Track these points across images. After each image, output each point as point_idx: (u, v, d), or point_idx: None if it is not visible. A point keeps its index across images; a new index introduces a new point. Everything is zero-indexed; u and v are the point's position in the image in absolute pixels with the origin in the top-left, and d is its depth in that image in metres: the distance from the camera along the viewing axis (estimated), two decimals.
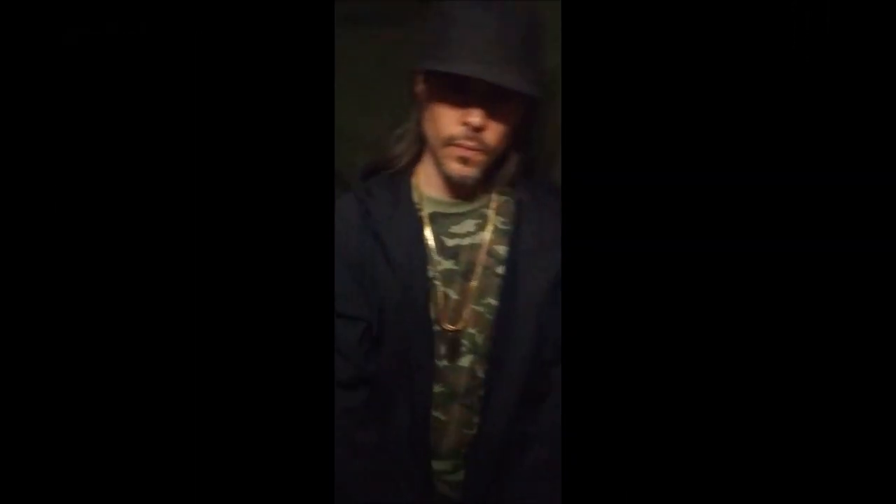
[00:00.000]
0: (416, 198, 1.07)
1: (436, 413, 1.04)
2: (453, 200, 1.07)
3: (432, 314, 1.04)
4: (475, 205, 1.07)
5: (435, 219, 1.06)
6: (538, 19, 0.98)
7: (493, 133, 0.98)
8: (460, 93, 0.97)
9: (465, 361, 1.04)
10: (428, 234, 1.05)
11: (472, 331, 1.04)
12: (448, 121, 0.98)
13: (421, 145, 1.06)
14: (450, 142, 0.99)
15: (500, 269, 1.05)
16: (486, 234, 1.06)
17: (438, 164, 1.03)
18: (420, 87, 1.02)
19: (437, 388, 1.04)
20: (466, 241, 1.06)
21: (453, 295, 1.04)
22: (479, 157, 1.00)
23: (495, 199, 1.08)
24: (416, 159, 1.08)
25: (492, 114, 0.97)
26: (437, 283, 1.04)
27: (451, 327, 1.04)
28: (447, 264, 1.05)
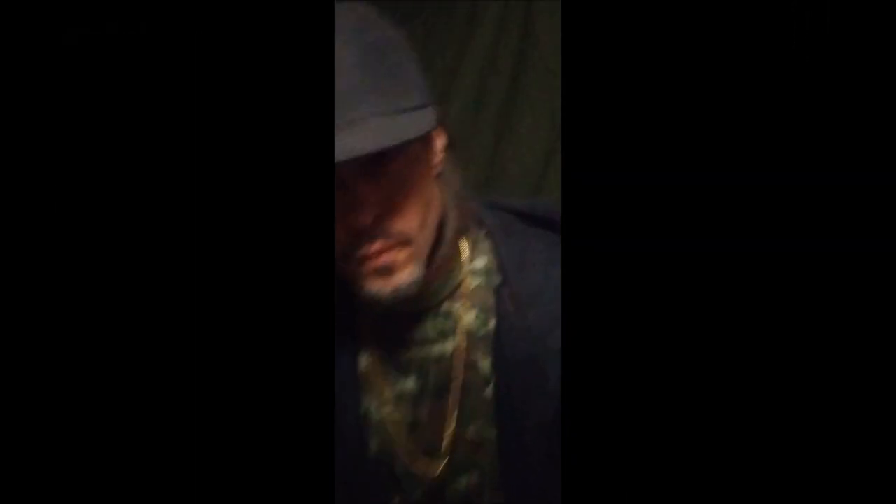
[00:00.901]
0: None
1: None
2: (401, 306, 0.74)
3: (390, 451, 0.77)
4: (437, 298, 0.77)
5: (378, 328, 0.78)
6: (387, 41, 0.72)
7: (402, 213, 0.69)
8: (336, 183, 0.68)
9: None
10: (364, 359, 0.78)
11: (456, 466, 0.76)
12: (340, 238, 0.69)
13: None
14: (349, 260, 0.70)
15: (485, 389, 0.75)
16: (456, 340, 0.76)
17: (359, 296, 0.72)
18: None
19: None
20: (432, 351, 0.77)
21: (423, 419, 0.76)
22: (402, 256, 0.70)
23: (462, 284, 0.77)
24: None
25: (383, 190, 0.69)
26: (392, 410, 0.77)
27: (424, 466, 0.76)
28: (406, 384, 0.77)
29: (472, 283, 0.77)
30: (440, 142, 0.76)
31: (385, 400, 0.77)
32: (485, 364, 0.75)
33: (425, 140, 0.72)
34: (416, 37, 1.34)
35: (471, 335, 0.76)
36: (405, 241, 0.70)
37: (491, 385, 0.75)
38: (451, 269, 0.77)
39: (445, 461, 0.76)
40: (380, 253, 0.69)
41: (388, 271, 0.69)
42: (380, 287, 0.70)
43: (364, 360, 0.78)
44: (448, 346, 0.76)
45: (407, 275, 0.70)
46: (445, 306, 0.77)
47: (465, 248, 0.78)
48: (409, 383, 0.77)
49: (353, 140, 0.65)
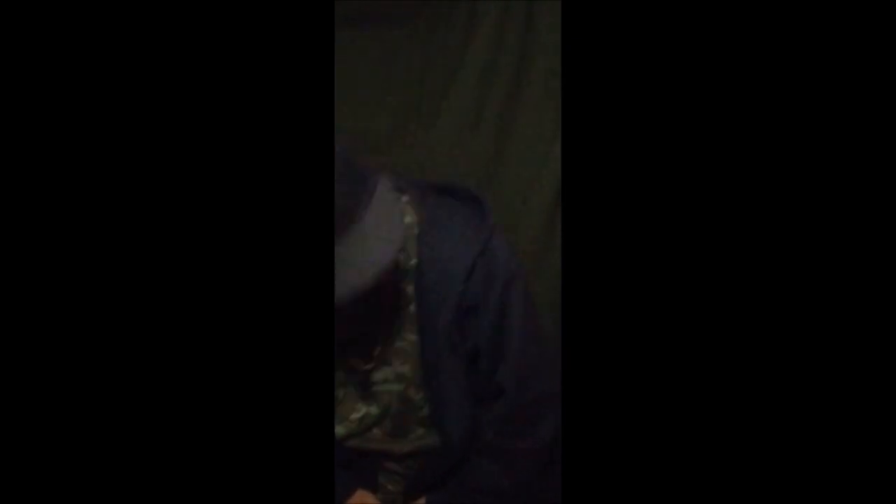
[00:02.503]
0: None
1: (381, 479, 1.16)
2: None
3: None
4: None
5: None
6: None
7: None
8: None
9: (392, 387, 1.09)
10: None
11: (390, 365, 1.08)
12: None
13: None
14: None
15: (411, 308, 1.07)
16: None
17: None
18: None
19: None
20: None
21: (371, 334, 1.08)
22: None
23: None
24: None
25: None
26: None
27: (366, 366, 1.08)
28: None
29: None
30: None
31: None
32: (409, 289, 1.05)
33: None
34: (417, 36, 1.34)
35: (399, 269, 1.04)
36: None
37: (412, 304, 1.06)
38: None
39: (374, 362, 1.07)
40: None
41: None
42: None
43: None
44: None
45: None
46: None
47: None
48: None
49: None
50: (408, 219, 1.06)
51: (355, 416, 1.10)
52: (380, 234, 0.93)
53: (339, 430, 1.10)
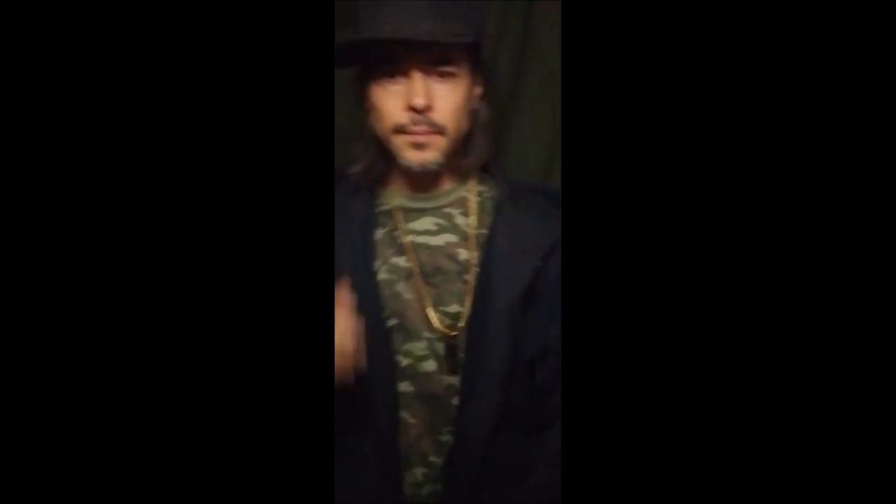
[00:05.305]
0: (379, 196, 1.03)
1: (403, 414, 0.98)
2: (417, 195, 1.03)
3: (385, 311, 0.98)
4: (440, 201, 1.03)
5: (392, 214, 1.02)
6: None
7: (444, 112, 0.94)
8: (395, 71, 0.93)
9: (429, 366, 0.99)
10: (379, 230, 1.01)
11: (429, 335, 0.99)
12: (391, 109, 0.94)
13: (380, 149, 1.00)
14: (399, 130, 0.95)
15: (464, 275, 0.99)
16: (448, 236, 1.01)
17: (397, 158, 0.97)
18: (360, 84, 0.98)
19: (402, 387, 0.98)
20: (423, 240, 1.01)
21: (405, 294, 0.99)
22: (435, 141, 0.95)
23: (465, 197, 1.03)
24: (382, 168, 1.03)
25: (437, 90, 0.94)
26: (385, 279, 0.99)
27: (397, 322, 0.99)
28: (398, 261, 1.00)
29: (473, 200, 1.04)
30: (478, 89, 1.00)
31: (385, 269, 1.00)
32: (462, 254, 1.00)
33: (471, 74, 0.98)
34: None
35: (459, 232, 1.01)
36: (440, 131, 0.95)
37: (464, 271, 1.00)
38: (460, 181, 1.04)
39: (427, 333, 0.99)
40: (420, 132, 0.94)
41: (422, 147, 0.95)
42: (410, 158, 0.96)
43: (378, 234, 1.02)
44: (438, 239, 1.01)
45: (433, 155, 0.96)
46: (446, 210, 1.03)
47: (474, 177, 1.05)
48: (401, 261, 1.00)
49: (403, 22, 0.90)
50: (485, 190, 1.04)
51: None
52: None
53: None
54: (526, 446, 0.99)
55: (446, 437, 0.98)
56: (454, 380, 0.98)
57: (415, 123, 0.93)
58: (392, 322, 0.99)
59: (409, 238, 1.01)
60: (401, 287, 0.99)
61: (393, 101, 0.94)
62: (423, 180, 1.01)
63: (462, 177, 1.04)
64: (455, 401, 0.98)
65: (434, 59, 0.93)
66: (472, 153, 1.01)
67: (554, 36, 1.26)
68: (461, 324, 0.98)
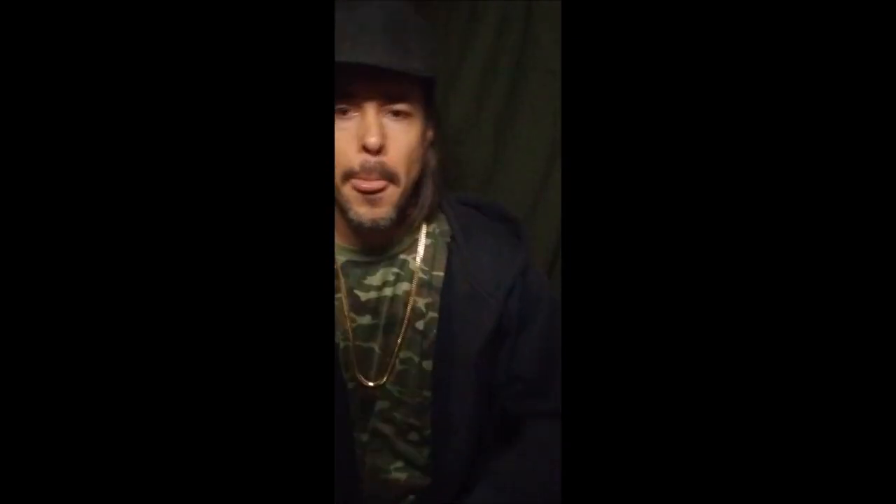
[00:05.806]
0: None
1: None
2: (367, 247, 0.97)
3: (347, 372, 0.98)
4: (394, 249, 0.98)
5: (347, 270, 0.97)
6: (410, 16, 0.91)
7: (397, 156, 0.88)
8: (348, 107, 0.87)
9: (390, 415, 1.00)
10: (340, 288, 0.97)
11: (391, 388, 0.99)
12: (342, 150, 0.88)
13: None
14: (349, 175, 0.88)
15: (420, 325, 0.98)
16: (405, 285, 0.98)
17: (345, 210, 0.91)
18: None
19: (363, 438, 1.01)
20: (386, 293, 0.98)
21: (377, 349, 0.98)
22: (387, 193, 0.89)
23: (418, 242, 0.99)
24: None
25: (391, 129, 0.88)
26: (353, 340, 0.98)
27: (368, 383, 0.99)
28: (363, 320, 0.98)
29: (424, 242, 0.99)
30: (430, 133, 0.96)
31: (346, 334, 0.98)
32: (421, 303, 0.97)
33: (424, 116, 0.93)
34: None
35: (418, 280, 0.98)
36: (392, 179, 0.89)
37: (424, 320, 0.98)
38: (412, 228, 0.99)
39: (385, 379, 0.99)
40: (372, 180, 0.88)
41: (374, 203, 0.89)
42: (364, 213, 0.90)
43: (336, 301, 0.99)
44: (398, 289, 0.98)
45: (384, 211, 0.90)
46: (401, 257, 0.98)
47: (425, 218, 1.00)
48: (366, 320, 0.98)
49: (360, 50, 0.84)
50: (434, 228, 1.00)
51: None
52: None
53: None
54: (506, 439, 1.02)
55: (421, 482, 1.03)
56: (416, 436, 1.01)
57: (366, 170, 0.87)
58: (351, 385, 0.99)
59: (371, 294, 0.98)
60: (373, 345, 0.98)
61: (344, 141, 0.87)
62: (372, 235, 0.95)
63: (409, 226, 0.98)
64: (426, 452, 1.02)
65: (389, 93, 0.87)
66: (420, 203, 0.96)
67: (554, 36, 1.26)
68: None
